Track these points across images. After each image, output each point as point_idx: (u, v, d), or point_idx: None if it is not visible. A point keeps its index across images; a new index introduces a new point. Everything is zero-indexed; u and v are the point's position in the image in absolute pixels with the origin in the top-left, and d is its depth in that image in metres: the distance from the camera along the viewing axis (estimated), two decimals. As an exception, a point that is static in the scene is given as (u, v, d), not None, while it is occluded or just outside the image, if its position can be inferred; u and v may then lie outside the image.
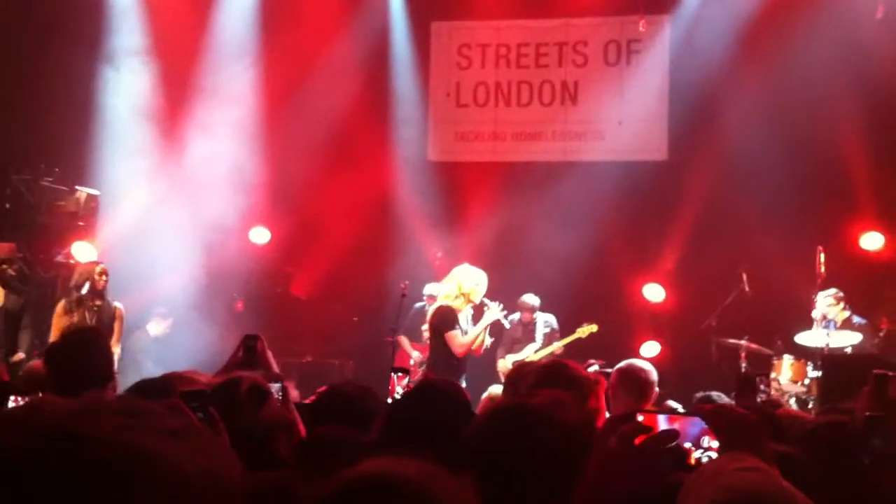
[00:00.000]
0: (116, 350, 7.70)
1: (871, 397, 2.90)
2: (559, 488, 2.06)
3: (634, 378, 4.44)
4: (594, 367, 4.85)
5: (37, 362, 6.81)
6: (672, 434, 1.84)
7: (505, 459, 2.11)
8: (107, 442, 0.78)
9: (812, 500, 1.65)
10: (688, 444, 2.05)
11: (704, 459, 2.06)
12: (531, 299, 9.86)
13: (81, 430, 0.80)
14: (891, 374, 2.96)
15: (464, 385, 6.88)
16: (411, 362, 9.85)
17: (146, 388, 3.26)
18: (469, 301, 7.37)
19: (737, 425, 1.98)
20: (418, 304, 9.93)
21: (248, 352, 4.15)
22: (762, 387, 3.92)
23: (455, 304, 7.35)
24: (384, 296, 10.37)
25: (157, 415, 0.85)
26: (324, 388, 4.06)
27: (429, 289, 9.91)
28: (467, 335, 7.25)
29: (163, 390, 3.17)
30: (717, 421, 2.04)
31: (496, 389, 6.30)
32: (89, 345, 4.17)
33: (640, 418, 2.07)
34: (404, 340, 9.89)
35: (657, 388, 4.56)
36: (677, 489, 1.83)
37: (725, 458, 1.72)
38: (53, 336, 8.17)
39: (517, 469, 2.09)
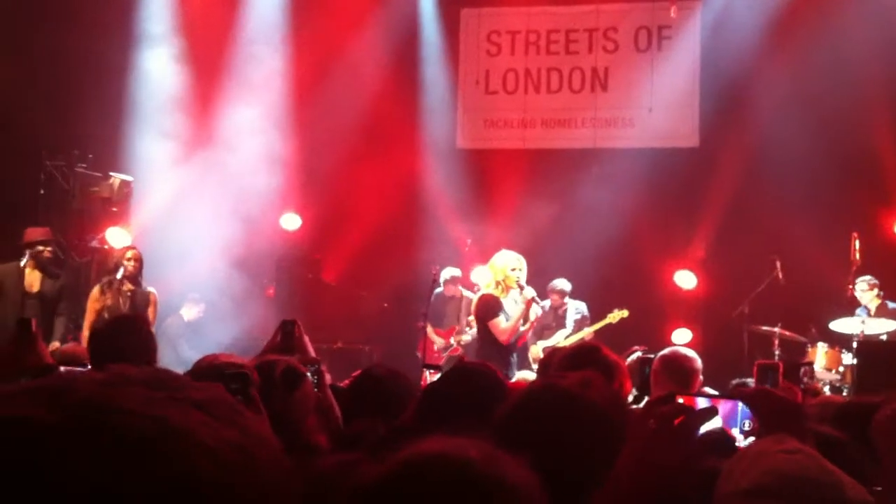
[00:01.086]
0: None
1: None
2: (589, 468, 2.06)
3: (678, 365, 4.39)
4: (637, 354, 4.81)
5: (69, 345, 6.92)
6: (711, 411, 1.83)
7: (534, 440, 2.12)
8: (132, 413, 0.76)
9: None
10: (732, 428, 2.05)
11: (745, 443, 2.06)
12: (561, 284, 9.82)
13: (107, 401, 0.78)
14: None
15: (515, 372, 6.89)
16: (435, 347, 9.87)
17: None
18: (508, 287, 7.32)
19: (779, 408, 1.97)
20: (437, 290, 9.87)
21: (285, 336, 4.18)
22: (805, 378, 3.86)
23: (495, 291, 7.33)
24: (414, 282, 10.40)
25: (185, 387, 0.82)
26: (358, 371, 4.09)
27: (446, 273, 9.88)
28: (509, 321, 7.22)
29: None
30: (759, 403, 2.04)
31: (526, 375, 6.30)
32: (131, 328, 4.22)
33: (680, 401, 2.06)
34: (428, 328, 9.86)
35: (701, 377, 4.50)
36: (717, 475, 1.82)
37: (769, 440, 1.72)
38: (88, 321, 8.26)
39: (547, 449, 2.10)
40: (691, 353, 4.56)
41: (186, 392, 0.81)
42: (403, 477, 1.27)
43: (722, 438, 2.04)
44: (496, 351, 7.11)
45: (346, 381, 4.25)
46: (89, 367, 4.01)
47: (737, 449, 2.01)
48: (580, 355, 3.34)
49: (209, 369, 3.47)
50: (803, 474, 1.58)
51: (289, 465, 0.85)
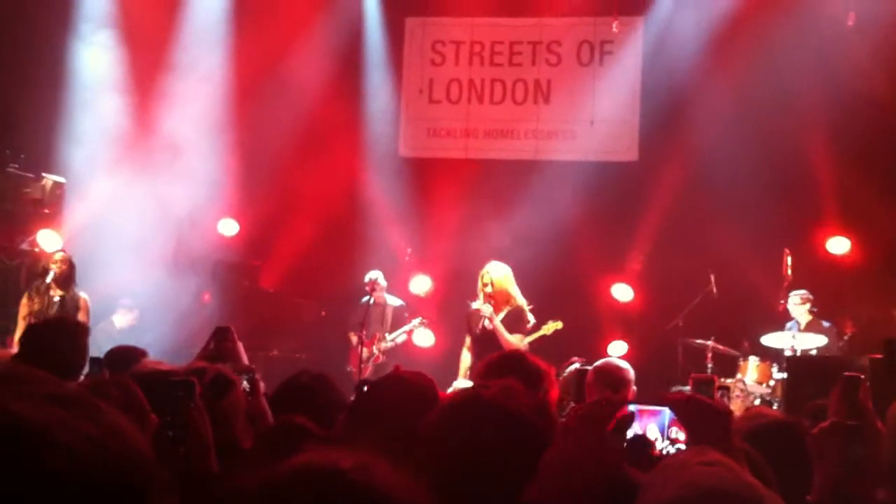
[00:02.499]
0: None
1: (840, 400, 2.90)
2: (513, 476, 2.06)
3: (610, 375, 4.45)
4: (575, 365, 4.85)
5: (-1, 350, 6.73)
6: (618, 402, 1.83)
7: (458, 449, 2.11)
8: None
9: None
10: (654, 436, 2.05)
11: (671, 451, 2.07)
12: None
13: None
14: (861, 376, 2.96)
15: None
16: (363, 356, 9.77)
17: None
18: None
19: (705, 416, 1.98)
20: (364, 299, 9.76)
21: (218, 344, 4.14)
22: (719, 394, 3.91)
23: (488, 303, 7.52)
24: (352, 291, 10.32)
25: (41, 382, 0.80)
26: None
27: (370, 276, 9.75)
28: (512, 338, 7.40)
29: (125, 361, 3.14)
30: (687, 411, 2.04)
31: (461, 384, 6.30)
32: (62, 334, 4.12)
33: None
34: (353, 338, 9.71)
35: (634, 387, 4.56)
36: (636, 487, 1.83)
37: (689, 452, 1.72)
38: (18, 325, 8.06)
39: (470, 458, 2.10)
40: (624, 363, 4.63)
41: (44, 388, 0.79)
42: (273, 488, 1.25)
43: (640, 444, 2.04)
44: None
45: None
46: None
47: (653, 454, 2.02)
48: (504, 364, 3.33)
49: (152, 376, 3.40)
50: (722, 487, 1.57)
51: (152, 458, 0.83)
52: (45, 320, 6.88)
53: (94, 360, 3.93)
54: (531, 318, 7.85)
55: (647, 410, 2.19)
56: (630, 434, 2.14)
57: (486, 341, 7.67)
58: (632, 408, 2.20)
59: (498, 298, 7.64)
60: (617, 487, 1.67)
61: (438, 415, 2.29)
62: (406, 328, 9.65)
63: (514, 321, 7.62)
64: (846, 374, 2.93)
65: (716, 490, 1.56)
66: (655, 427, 2.15)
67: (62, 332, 4.11)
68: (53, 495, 0.74)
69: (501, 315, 7.73)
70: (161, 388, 2.67)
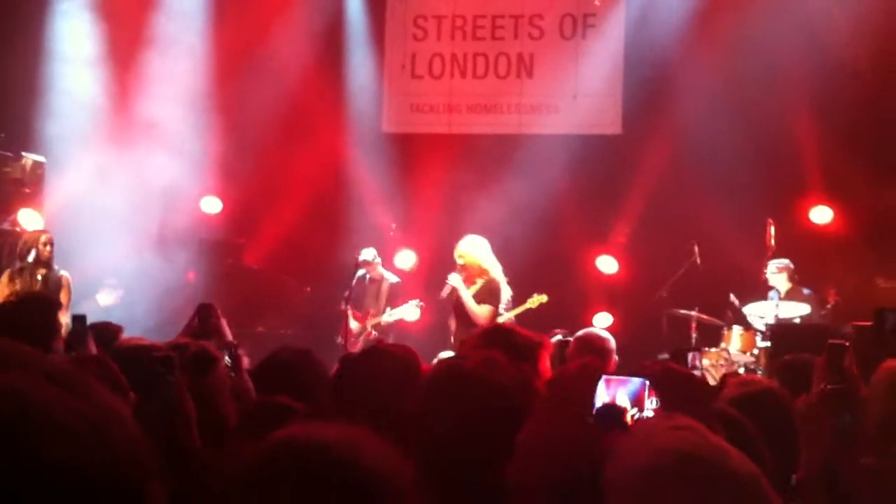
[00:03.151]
0: (65, 319, 7.57)
1: (826, 368, 2.91)
2: (492, 450, 2.07)
3: (592, 346, 4.48)
4: (558, 337, 4.87)
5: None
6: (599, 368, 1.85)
7: (440, 421, 2.12)
8: None
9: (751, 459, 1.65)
10: (624, 404, 2.07)
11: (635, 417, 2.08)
12: None
13: None
14: (846, 343, 2.97)
15: None
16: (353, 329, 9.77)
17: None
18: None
19: (680, 384, 1.99)
20: (359, 273, 9.74)
21: (202, 321, 4.14)
22: (695, 362, 3.93)
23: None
24: (337, 266, 10.31)
25: (34, 358, 0.79)
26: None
27: (365, 254, 9.74)
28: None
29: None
30: (662, 381, 2.06)
31: (446, 354, 6.32)
32: (35, 308, 4.09)
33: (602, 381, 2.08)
34: (349, 312, 9.72)
35: (616, 357, 4.59)
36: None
37: (657, 417, 1.72)
38: (0, 306, 8.01)
39: (451, 432, 2.11)
40: (605, 333, 4.66)
41: (41, 365, 0.77)
42: (261, 462, 1.26)
43: (611, 413, 2.06)
44: None
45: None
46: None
47: (624, 423, 2.03)
48: (491, 337, 3.34)
49: (134, 351, 3.40)
50: (690, 450, 1.58)
51: (142, 439, 0.82)
52: (14, 299, 6.84)
53: (77, 318, 3.90)
54: (506, 293, 7.91)
55: (616, 379, 2.20)
56: (599, 403, 2.15)
57: (459, 312, 7.79)
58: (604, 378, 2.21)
59: (470, 271, 7.73)
60: (596, 464, 1.68)
61: (423, 388, 2.30)
62: (402, 311, 9.62)
63: (486, 294, 7.68)
64: (831, 341, 2.95)
65: (687, 455, 1.56)
66: (625, 395, 2.16)
67: (31, 308, 4.08)
68: (49, 476, 0.74)
69: (475, 288, 7.80)
70: (141, 364, 2.66)
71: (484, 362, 2.17)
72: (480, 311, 7.57)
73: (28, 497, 0.71)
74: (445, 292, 7.84)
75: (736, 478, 1.57)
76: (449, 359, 2.34)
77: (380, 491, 1.22)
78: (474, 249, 7.80)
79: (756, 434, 2.50)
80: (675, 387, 2.01)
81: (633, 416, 2.07)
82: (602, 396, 2.16)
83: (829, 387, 2.81)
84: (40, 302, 4.29)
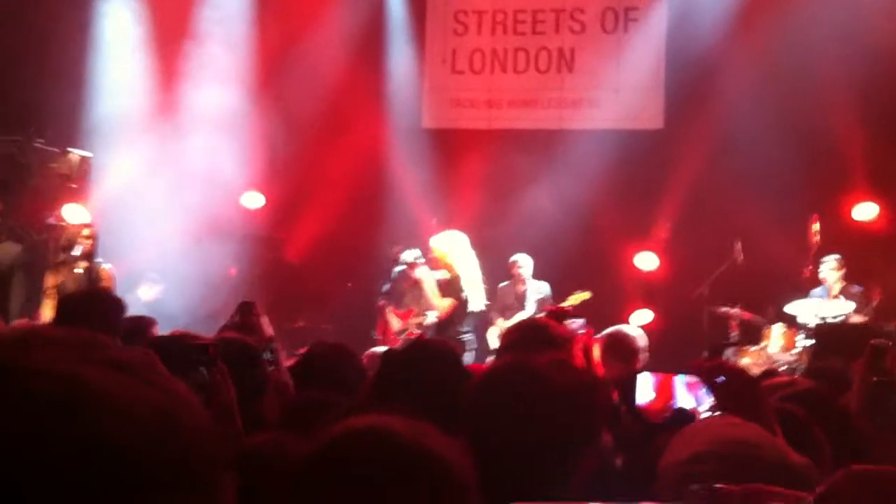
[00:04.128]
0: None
1: (868, 367, 2.88)
2: (555, 450, 2.05)
3: (622, 343, 4.46)
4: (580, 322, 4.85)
5: (20, 321, 6.82)
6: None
7: (503, 417, 2.09)
8: (41, 373, 0.72)
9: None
10: (691, 404, 2.07)
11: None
12: (522, 258, 9.88)
13: (15, 362, 0.74)
14: (889, 343, 2.94)
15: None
16: (394, 329, 9.79)
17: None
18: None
19: (733, 382, 1.98)
20: (398, 269, 9.73)
21: (243, 318, 4.19)
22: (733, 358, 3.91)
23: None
24: (377, 262, 10.35)
25: (101, 346, 0.78)
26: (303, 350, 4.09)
27: (408, 255, 9.73)
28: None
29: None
30: (714, 378, 2.04)
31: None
32: (94, 307, 4.13)
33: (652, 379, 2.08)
34: (388, 308, 9.74)
35: (646, 354, 4.57)
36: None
37: (714, 417, 1.73)
38: (44, 299, 8.14)
39: (514, 428, 2.08)
40: (635, 331, 4.64)
41: (107, 353, 0.77)
42: (331, 452, 1.27)
43: (684, 417, 2.06)
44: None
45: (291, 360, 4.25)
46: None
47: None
48: (529, 332, 3.31)
49: (173, 342, 3.44)
50: (744, 439, 1.59)
51: (214, 430, 0.82)
52: (77, 292, 6.93)
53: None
54: (472, 294, 7.90)
55: (695, 383, 2.21)
56: (675, 407, 2.16)
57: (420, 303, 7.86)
58: (683, 379, 2.21)
59: (439, 265, 7.79)
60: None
61: (484, 385, 2.25)
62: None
63: (449, 288, 7.70)
64: (873, 341, 2.92)
65: (738, 441, 1.57)
66: (696, 397, 2.17)
67: (94, 304, 4.13)
68: (114, 462, 0.72)
69: (438, 276, 7.84)
70: (181, 354, 2.68)
71: (554, 363, 2.15)
72: (441, 304, 7.62)
73: (94, 484, 0.71)
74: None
75: (789, 466, 1.57)
76: (516, 359, 2.27)
77: (449, 479, 1.24)
78: (446, 245, 7.85)
79: (811, 423, 2.46)
80: (728, 384, 2.00)
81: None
82: (684, 399, 2.16)
83: (874, 378, 2.79)
84: (103, 297, 4.33)
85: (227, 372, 2.84)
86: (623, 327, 4.74)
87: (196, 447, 0.78)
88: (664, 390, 2.26)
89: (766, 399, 2.05)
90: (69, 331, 0.81)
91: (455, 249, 7.82)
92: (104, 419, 0.73)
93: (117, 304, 4.25)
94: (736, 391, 1.95)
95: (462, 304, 7.72)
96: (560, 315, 3.77)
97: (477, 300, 8.02)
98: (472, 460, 1.96)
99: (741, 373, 2.16)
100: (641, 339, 4.61)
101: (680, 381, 2.21)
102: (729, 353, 3.93)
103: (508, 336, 3.39)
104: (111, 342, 0.81)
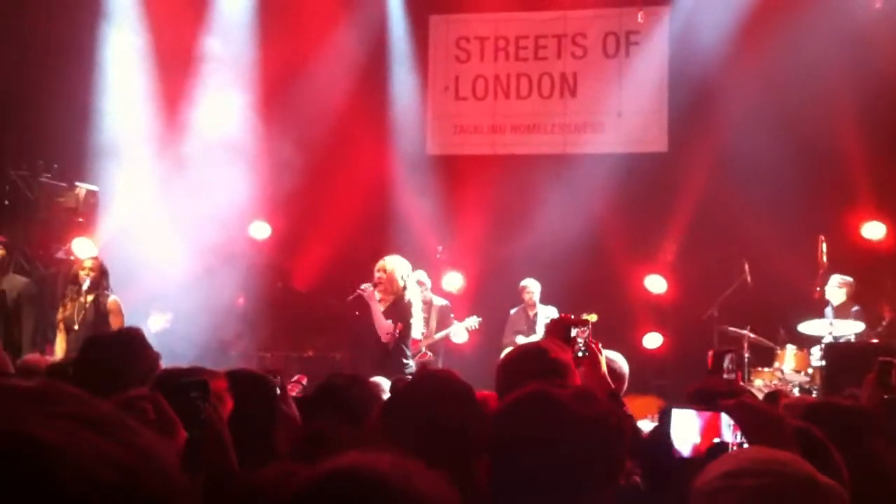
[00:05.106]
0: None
1: (876, 385, 2.88)
2: (581, 481, 2.03)
3: (611, 370, 4.42)
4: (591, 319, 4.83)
5: (31, 356, 6.81)
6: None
7: (526, 447, 2.08)
8: (17, 435, 0.71)
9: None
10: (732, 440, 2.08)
11: None
12: (531, 283, 9.90)
13: None
14: (895, 361, 2.94)
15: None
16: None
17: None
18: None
19: (759, 418, 1.98)
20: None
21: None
22: (729, 364, 3.89)
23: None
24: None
25: (76, 402, 0.76)
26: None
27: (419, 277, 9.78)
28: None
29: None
30: (740, 415, 2.05)
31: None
32: (121, 346, 4.05)
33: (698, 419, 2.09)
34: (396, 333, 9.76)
35: (626, 382, 4.56)
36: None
37: (749, 448, 1.73)
38: (58, 332, 8.17)
39: (539, 460, 2.06)
40: (618, 356, 4.61)
41: (75, 408, 0.75)
42: (315, 491, 1.26)
43: (722, 450, 2.07)
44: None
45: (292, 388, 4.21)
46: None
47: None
48: (530, 360, 3.27)
49: (169, 378, 3.41)
50: (777, 457, 1.59)
51: (184, 483, 0.80)
52: (103, 336, 6.90)
53: None
54: (417, 320, 7.88)
55: (727, 421, 2.21)
56: (716, 440, 2.16)
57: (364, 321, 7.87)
58: (727, 419, 2.21)
59: (386, 286, 7.71)
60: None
61: (508, 417, 2.22)
62: (450, 331, 9.68)
63: (396, 312, 7.66)
64: (881, 359, 2.92)
65: (772, 458, 1.58)
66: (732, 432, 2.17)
67: (118, 345, 4.03)
68: None
69: (386, 303, 7.80)
70: (175, 389, 2.65)
71: (579, 395, 2.14)
72: (385, 325, 7.57)
73: None
74: (361, 295, 7.84)
75: (820, 486, 1.57)
76: (540, 390, 2.25)
77: None
78: (395, 267, 7.81)
79: (828, 443, 2.44)
80: (753, 420, 2.01)
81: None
82: (727, 435, 2.17)
83: (885, 396, 2.79)
84: (130, 337, 4.23)
85: (218, 407, 2.81)
86: (607, 353, 4.71)
87: (159, 499, 0.76)
88: (711, 430, 2.26)
89: (789, 432, 2.06)
90: (44, 385, 0.79)
91: (404, 274, 7.84)
92: (58, 477, 0.71)
93: (140, 344, 4.12)
94: (762, 427, 1.96)
95: (407, 328, 7.72)
96: (563, 324, 3.75)
97: (418, 328, 8.04)
98: (498, 491, 1.92)
99: (765, 409, 2.17)
100: (625, 366, 4.60)
101: (726, 420, 2.21)
102: (727, 361, 3.91)
103: (508, 364, 3.34)
104: (81, 395, 0.79)
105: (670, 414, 2.32)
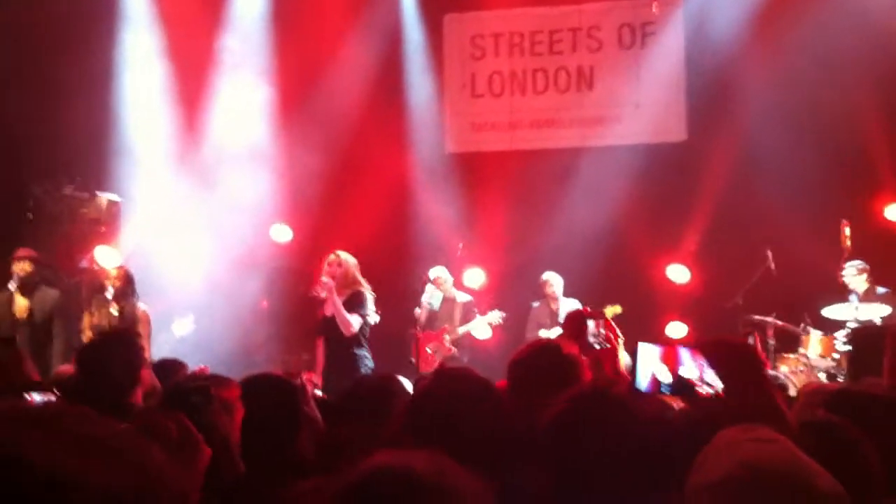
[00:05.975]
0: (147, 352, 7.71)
1: (893, 355, 2.84)
2: (644, 483, 2.02)
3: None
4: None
5: (65, 367, 6.88)
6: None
7: (592, 452, 2.05)
8: (19, 461, 0.72)
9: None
10: (691, 375, 2.07)
11: (704, 391, 2.07)
12: (553, 277, 9.89)
13: None
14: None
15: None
16: (429, 351, 9.82)
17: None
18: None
19: (734, 355, 1.97)
20: (429, 291, 9.76)
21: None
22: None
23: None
24: (407, 289, 10.36)
25: (77, 422, 0.77)
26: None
27: (432, 273, 9.81)
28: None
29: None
30: (716, 351, 2.04)
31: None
32: (118, 344, 4.15)
33: (657, 350, 2.08)
34: (419, 335, 9.79)
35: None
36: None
37: (738, 429, 1.71)
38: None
39: (604, 462, 2.04)
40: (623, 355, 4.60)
41: (80, 429, 0.76)
42: (353, 492, 1.27)
43: (685, 386, 2.05)
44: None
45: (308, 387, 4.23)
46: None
47: (696, 392, 2.01)
48: (542, 355, 3.26)
49: (174, 385, 3.44)
50: (773, 465, 1.57)
51: (195, 501, 0.80)
52: (96, 336, 6.98)
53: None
54: (371, 308, 7.88)
55: (687, 351, 2.19)
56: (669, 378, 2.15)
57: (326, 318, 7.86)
58: (655, 348, 2.20)
59: (342, 281, 7.74)
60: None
61: (566, 418, 2.21)
62: (472, 326, 9.71)
63: (353, 304, 7.74)
64: (893, 330, 2.89)
65: (767, 468, 1.55)
66: (694, 367, 2.16)
67: (113, 344, 4.13)
68: None
69: (343, 298, 7.82)
70: (176, 395, 2.68)
71: (631, 394, 2.13)
72: (352, 320, 7.56)
73: None
74: (321, 291, 7.83)
75: (817, 495, 1.54)
76: (591, 389, 2.23)
77: None
78: (349, 260, 7.88)
79: (860, 438, 2.41)
80: (728, 358, 2.00)
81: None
82: (689, 369, 2.15)
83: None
84: (121, 337, 4.34)
85: (217, 414, 2.83)
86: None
87: None
88: (670, 360, 2.25)
89: (766, 373, 2.05)
90: (57, 408, 0.80)
91: (356, 268, 7.90)
92: (49, 501, 0.71)
93: (134, 347, 4.20)
94: (738, 365, 1.95)
95: (366, 322, 7.77)
96: (579, 318, 3.75)
97: (373, 320, 8.10)
98: (557, 493, 1.92)
99: (742, 347, 2.16)
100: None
101: (685, 351, 2.20)
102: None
103: (519, 360, 3.33)
104: (89, 415, 0.80)
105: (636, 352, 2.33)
